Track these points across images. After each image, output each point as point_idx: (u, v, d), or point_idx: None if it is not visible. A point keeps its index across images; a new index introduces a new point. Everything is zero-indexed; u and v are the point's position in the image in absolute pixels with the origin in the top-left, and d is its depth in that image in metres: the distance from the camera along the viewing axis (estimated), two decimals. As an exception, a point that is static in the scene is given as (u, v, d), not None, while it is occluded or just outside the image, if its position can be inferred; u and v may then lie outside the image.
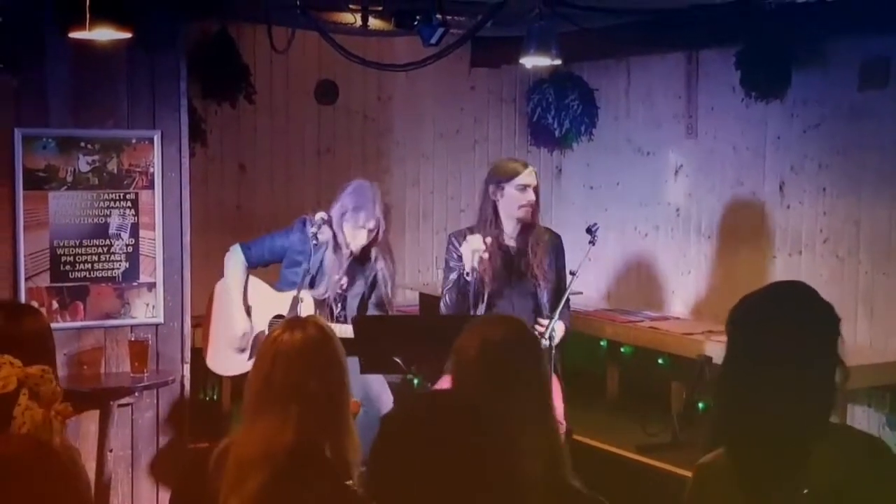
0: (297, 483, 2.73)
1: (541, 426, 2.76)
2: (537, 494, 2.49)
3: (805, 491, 2.32)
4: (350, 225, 5.31)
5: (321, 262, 5.29)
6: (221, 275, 5.66)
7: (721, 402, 2.50)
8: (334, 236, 5.34)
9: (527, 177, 5.32)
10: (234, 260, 5.51)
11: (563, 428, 5.27)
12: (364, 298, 5.43)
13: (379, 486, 2.26)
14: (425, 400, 2.75)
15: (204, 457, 2.92)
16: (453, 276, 5.26)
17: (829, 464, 2.36)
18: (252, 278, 5.53)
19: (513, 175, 5.31)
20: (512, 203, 5.28)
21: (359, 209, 5.30)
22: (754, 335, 2.41)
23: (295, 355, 2.85)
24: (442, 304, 5.34)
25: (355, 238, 5.32)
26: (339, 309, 5.36)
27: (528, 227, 5.35)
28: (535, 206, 5.33)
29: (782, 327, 2.38)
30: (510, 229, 5.32)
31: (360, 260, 5.43)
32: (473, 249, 5.14)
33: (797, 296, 2.46)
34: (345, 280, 5.38)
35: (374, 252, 5.43)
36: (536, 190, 5.35)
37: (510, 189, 5.31)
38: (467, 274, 5.16)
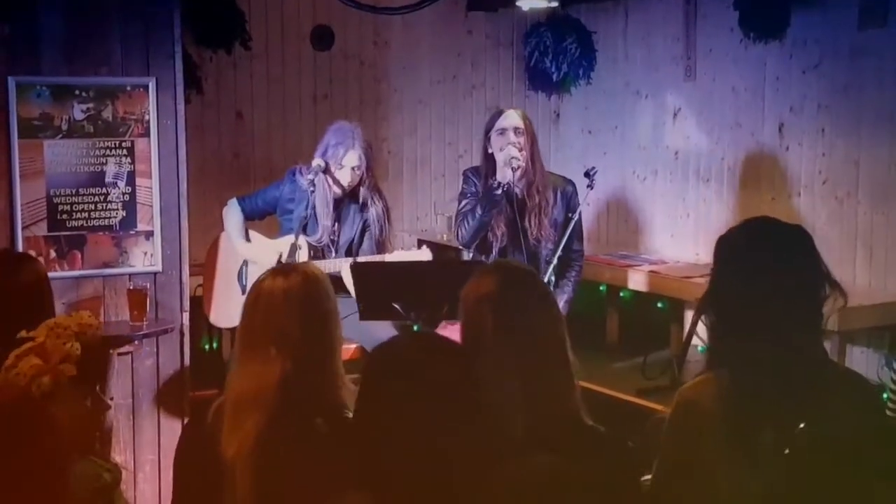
0: (289, 425, 2.75)
1: (548, 371, 2.73)
2: (546, 438, 2.50)
3: (801, 425, 2.34)
4: (332, 162, 5.34)
5: (314, 206, 5.33)
6: (219, 223, 5.71)
7: (712, 329, 2.58)
8: (327, 181, 5.37)
9: (504, 119, 5.31)
10: (232, 212, 5.66)
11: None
12: (353, 245, 5.44)
13: (364, 410, 2.31)
14: (407, 338, 2.79)
15: (206, 407, 2.94)
16: (466, 202, 5.28)
17: (826, 403, 2.38)
18: (250, 231, 5.60)
19: (493, 121, 5.34)
20: (496, 150, 5.27)
21: (338, 145, 5.34)
22: (734, 262, 2.56)
23: (276, 301, 2.87)
24: (461, 227, 5.36)
25: (340, 176, 5.35)
26: (332, 254, 5.40)
27: (524, 176, 5.28)
28: (525, 149, 5.27)
29: (757, 249, 2.54)
30: (504, 179, 5.26)
31: (353, 206, 5.44)
32: (512, 155, 5.14)
33: (767, 223, 2.63)
34: (336, 226, 5.41)
35: (364, 195, 5.44)
36: (522, 131, 5.28)
37: (493, 136, 5.32)
38: (498, 185, 5.16)
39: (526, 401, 2.57)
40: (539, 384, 2.67)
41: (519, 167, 5.20)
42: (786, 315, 2.42)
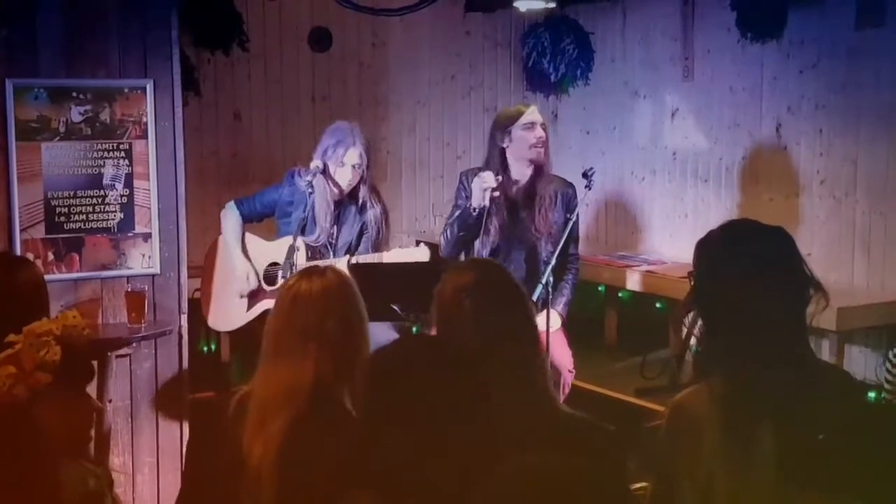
0: (318, 426, 2.75)
1: (522, 367, 2.76)
2: (525, 428, 2.51)
3: (821, 436, 2.32)
4: (332, 162, 5.33)
5: (313, 208, 5.32)
6: (217, 224, 5.68)
7: (699, 331, 2.57)
8: (326, 183, 5.36)
9: (531, 114, 5.28)
10: (230, 215, 5.61)
11: (571, 377, 5.28)
12: (351, 248, 5.44)
13: (368, 412, 2.32)
14: (412, 340, 2.80)
15: (221, 404, 2.94)
16: (457, 212, 5.26)
17: (815, 402, 2.37)
18: (247, 234, 5.58)
19: (517, 116, 5.29)
20: (522, 144, 5.22)
21: (339, 144, 5.33)
22: (715, 265, 2.54)
23: (315, 299, 2.88)
24: (441, 238, 5.32)
25: (340, 176, 5.34)
26: (330, 257, 5.38)
27: (538, 173, 5.28)
28: (545, 144, 5.28)
29: (737, 252, 2.50)
30: (519, 175, 5.24)
31: (353, 208, 5.44)
32: (484, 187, 5.11)
33: (747, 225, 2.60)
34: (335, 229, 5.40)
35: (363, 197, 5.43)
36: (544, 127, 5.31)
37: (517, 131, 5.25)
38: (474, 210, 5.14)
39: (504, 392, 2.56)
40: (516, 374, 2.70)
41: (493, 196, 5.16)
42: (768, 316, 2.40)
